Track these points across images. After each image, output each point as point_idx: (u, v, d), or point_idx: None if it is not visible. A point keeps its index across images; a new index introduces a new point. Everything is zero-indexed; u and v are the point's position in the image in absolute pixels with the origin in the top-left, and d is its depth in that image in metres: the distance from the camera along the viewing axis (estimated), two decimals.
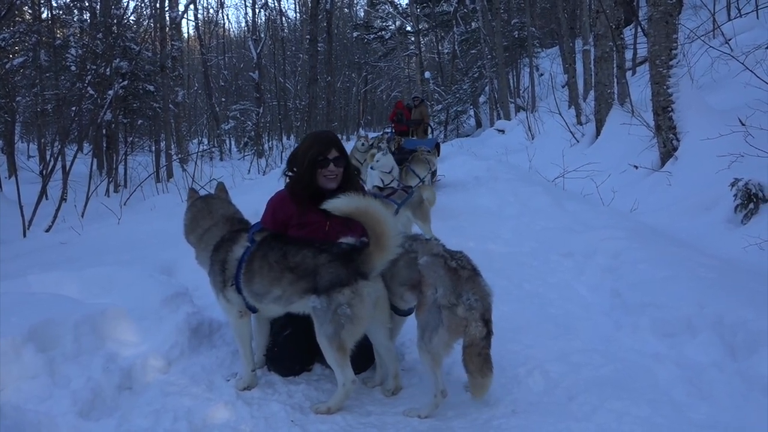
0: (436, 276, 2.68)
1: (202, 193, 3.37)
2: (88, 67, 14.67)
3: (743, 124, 6.17)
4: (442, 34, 32.57)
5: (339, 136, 3.70)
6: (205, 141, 32.74)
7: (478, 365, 2.61)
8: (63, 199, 10.29)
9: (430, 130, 17.42)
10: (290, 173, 3.42)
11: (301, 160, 3.31)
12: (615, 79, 11.04)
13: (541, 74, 24.92)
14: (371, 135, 14.71)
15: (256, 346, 3.22)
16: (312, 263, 2.77)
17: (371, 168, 8.49)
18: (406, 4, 30.89)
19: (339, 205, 2.75)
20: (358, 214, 2.72)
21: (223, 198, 3.23)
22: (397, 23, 31.33)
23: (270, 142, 27.07)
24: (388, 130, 16.55)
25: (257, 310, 3.00)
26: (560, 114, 13.02)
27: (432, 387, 2.73)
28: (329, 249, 2.82)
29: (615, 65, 11.03)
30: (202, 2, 59.53)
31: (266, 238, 2.95)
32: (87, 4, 19.96)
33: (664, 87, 7.09)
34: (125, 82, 15.49)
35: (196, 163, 14.22)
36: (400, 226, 5.73)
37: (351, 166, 3.48)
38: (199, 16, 42.47)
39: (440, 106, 28.08)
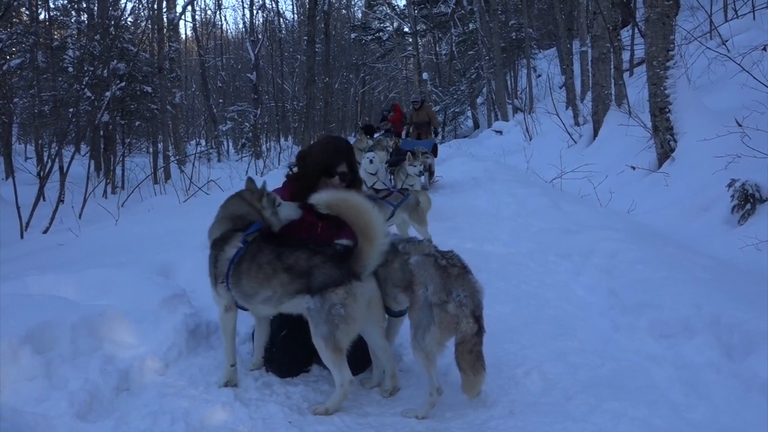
0: (426, 274, 2.69)
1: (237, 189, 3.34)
2: (85, 68, 14.66)
3: (740, 125, 6.18)
4: (440, 35, 32.57)
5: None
6: (203, 142, 32.81)
7: (470, 362, 2.62)
8: (60, 200, 10.26)
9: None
10: (296, 169, 3.42)
11: (311, 162, 3.31)
12: (612, 80, 11.07)
13: (539, 75, 24.95)
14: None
15: (256, 346, 3.23)
16: (306, 264, 2.79)
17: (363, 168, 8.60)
18: (404, 6, 30.88)
19: (323, 198, 2.82)
20: (340, 207, 2.76)
21: (245, 196, 3.15)
22: (395, 24, 31.26)
23: (268, 144, 27.07)
24: (383, 131, 16.57)
25: (248, 308, 3.01)
26: (558, 115, 13.05)
27: (427, 386, 2.74)
28: (323, 250, 2.84)
29: (612, 66, 11.06)
30: (199, 3, 59.60)
31: (256, 239, 2.95)
32: (84, 5, 19.94)
33: (662, 88, 7.10)
34: (122, 84, 15.45)
35: (193, 165, 14.16)
36: (396, 228, 5.74)
37: (357, 181, 3.42)
38: (197, 17, 42.32)
39: (438, 107, 28.08)
